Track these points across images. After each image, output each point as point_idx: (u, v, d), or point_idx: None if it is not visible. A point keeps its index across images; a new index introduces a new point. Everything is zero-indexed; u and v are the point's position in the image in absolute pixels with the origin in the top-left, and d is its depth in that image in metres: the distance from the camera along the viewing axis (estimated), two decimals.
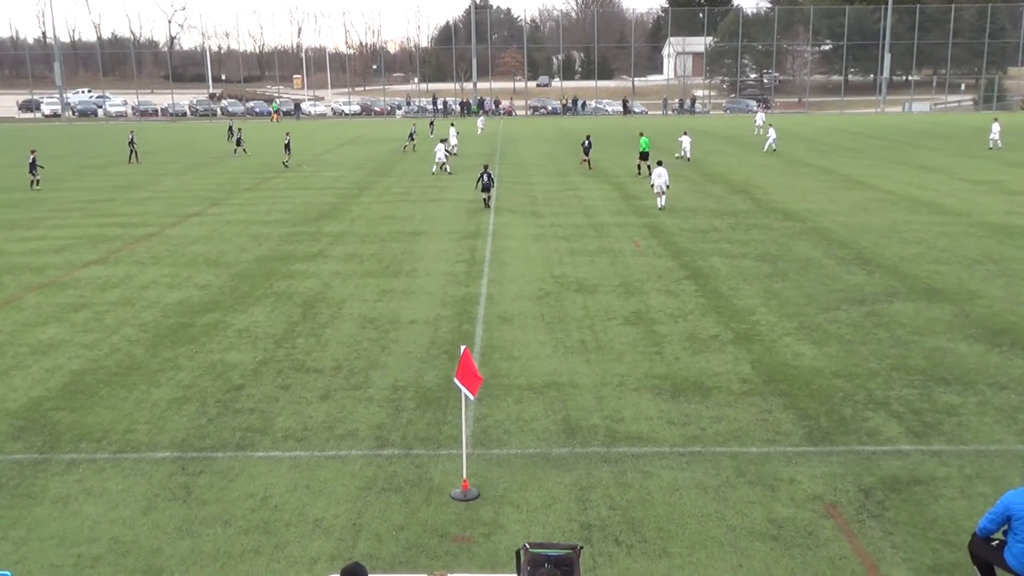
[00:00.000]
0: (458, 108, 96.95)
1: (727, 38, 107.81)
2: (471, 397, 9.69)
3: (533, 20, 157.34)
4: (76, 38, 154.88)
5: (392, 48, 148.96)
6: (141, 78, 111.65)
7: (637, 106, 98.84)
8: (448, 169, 40.09)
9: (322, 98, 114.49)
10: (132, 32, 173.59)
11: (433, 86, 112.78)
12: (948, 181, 35.05)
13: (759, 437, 10.88)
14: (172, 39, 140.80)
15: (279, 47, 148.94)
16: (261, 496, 9.56)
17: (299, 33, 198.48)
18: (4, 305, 17.73)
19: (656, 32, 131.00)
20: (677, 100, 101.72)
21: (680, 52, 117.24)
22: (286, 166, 43.74)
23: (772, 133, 49.45)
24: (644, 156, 37.24)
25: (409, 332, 15.42)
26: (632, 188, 33.91)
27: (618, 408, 11.86)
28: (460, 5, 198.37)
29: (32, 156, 36.41)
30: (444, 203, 30.98)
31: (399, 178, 38.96)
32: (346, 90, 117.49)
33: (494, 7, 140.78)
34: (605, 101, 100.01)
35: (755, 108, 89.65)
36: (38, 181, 36.08)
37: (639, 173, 37.24)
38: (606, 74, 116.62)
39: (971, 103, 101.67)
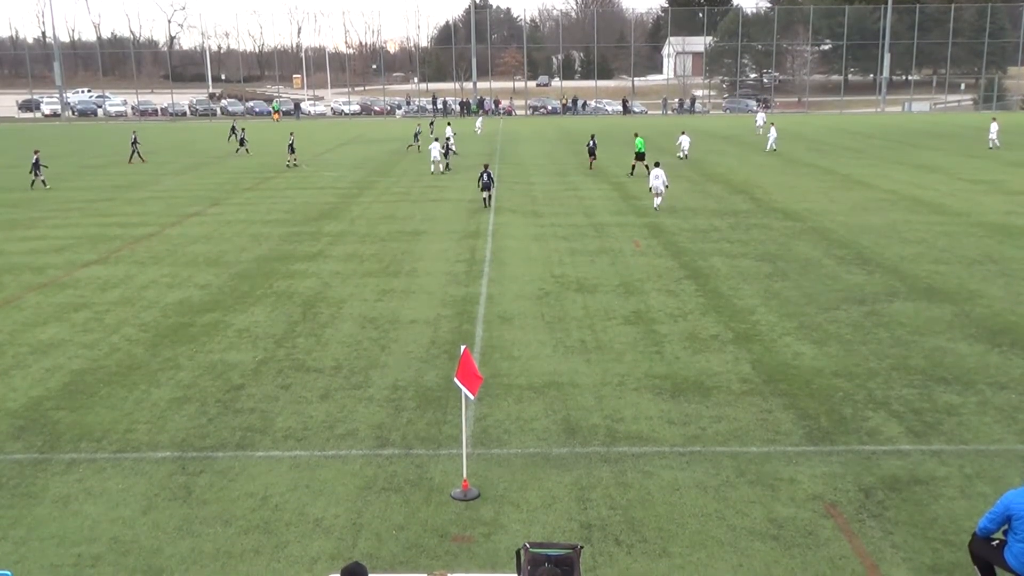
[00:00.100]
0: (458, 108, 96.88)
1: (727, 38, 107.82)
2: (471, 397, 9.69)
3: (533, 20, 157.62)
4: (76, 38, 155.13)
5: (392, 48, 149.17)
6: (141, 78, 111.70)
7: (637, 106, 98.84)
8: (445, 165, 40.12)
9: (322, 98, 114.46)
10: (132, 32, 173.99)
11: (433, 86, 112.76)
12: (948, 181, 35.06)
13: (759, 437, 10.89)
14: (172, 39, 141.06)
15: (279, 47, 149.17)
16: (261, 496, 9.57)
17: (299, 33, 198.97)
18: (4, 305, 17.73)
19: (656, 32, 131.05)
20: (677, 100, 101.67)
21: (680, 52, 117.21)
22: (289, 166, 43.41)
23: (773, 132, 49.46)
24: (640, 157, 37.27)
25: (409, 332, 15.43)
26: (632, 188, 33.90)
27: (618, 408, 11.86)
28: (460, 5, 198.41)
29: (35, 156, 36.36)
30: (444, 203, 30.98)
31: (399, 178, 38.97)
32: (346, 90, 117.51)
33: (494, 7, 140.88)
34: (605, 101, 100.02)
35: (755, 108, 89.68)
36: (44, 181, 36.03)
37: (631, 174, 37.30)
38: (606, 74, 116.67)
39: (971, 103, 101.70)
